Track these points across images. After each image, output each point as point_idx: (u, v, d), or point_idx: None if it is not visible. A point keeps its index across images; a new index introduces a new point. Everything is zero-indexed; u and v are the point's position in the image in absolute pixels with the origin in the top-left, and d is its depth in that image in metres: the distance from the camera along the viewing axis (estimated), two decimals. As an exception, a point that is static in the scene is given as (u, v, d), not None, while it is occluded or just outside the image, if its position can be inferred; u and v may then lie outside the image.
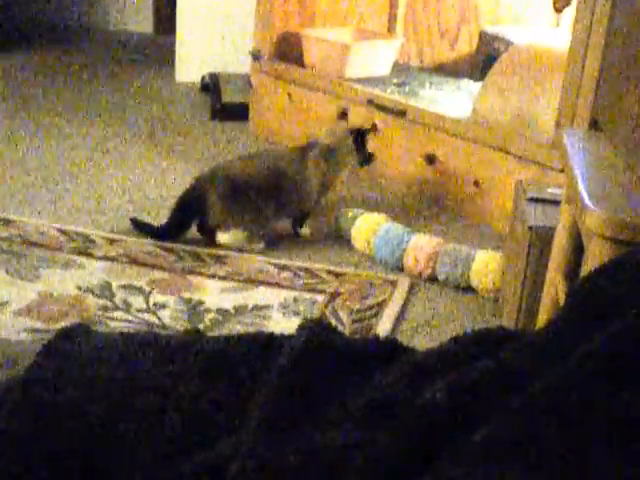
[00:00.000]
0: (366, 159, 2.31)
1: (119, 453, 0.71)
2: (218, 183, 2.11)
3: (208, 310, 1.81)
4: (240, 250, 2.11)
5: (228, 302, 1.85)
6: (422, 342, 1.74)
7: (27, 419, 0.75)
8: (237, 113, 3.19)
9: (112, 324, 1.72)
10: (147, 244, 2.08)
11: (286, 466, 0.64)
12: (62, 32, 4.54)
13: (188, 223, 2.14)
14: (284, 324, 1.77)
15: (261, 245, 2.16)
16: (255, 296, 1.89)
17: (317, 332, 0.82)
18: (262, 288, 1.93)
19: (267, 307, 1.84)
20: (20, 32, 4.40)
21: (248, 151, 2.88)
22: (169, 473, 0.69)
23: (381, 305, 1.88)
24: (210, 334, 0.92)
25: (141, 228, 2.16)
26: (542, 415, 0.59)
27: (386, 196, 2.57)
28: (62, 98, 3.39)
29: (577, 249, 1.38)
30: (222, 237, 2.12)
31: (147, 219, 2.22)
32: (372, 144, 2.37)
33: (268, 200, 2.13)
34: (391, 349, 0.84)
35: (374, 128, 2.41)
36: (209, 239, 2.15)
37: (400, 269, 2.05)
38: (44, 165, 2.63)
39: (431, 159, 2.52)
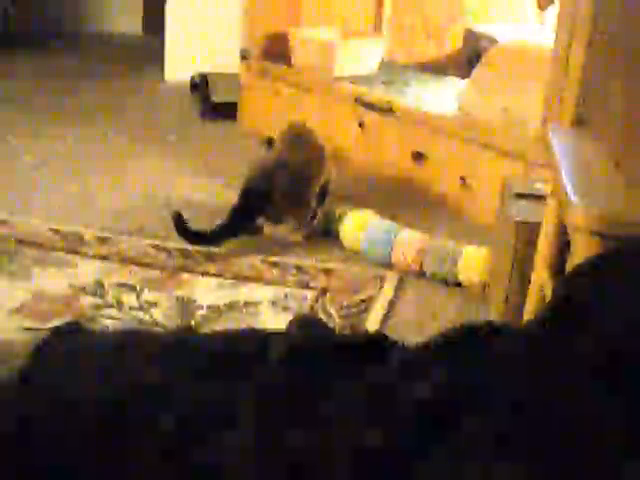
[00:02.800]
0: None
1: (114, 452, 0.71)
2: (281, 180, 2.11)
3: (199, 307, 1.82)
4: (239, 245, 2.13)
5: (219, 299, 1.86)
6: (410, 336, 1.75)
7: (21, 419, 0.75)
8: (226, 112, 3.20)
9: (105, 322, 1.73)
10: (138, 243, 2.09)
11: (281, 464, 0.65)
12: (50, 33, 4.53)
13: (250, 222, 2.13)
14: (274, 320, 1.78)
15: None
16: (245, 293, 1.90)
17: (307, 328, 0.83)
18: (252, 285, 1.95)
19: (257, 303, 1.86)
20: (7, 34, 4.39)
21: (240, 150, 2.90)
22: (165, 472, 0.69)
23: (370, 300, 1.89)
24: (201, 331, 0.93)
25: (187, 234, 2.09)
26: (531, 412, 0.60)
27: (374, 193, 2.59)
28: (51, 98, 3.39)
29: (563, 244, 1.40)
30: (273, 229, 2.16)
31: (139, 217, 2.24)
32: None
33: (313, 187, 2.18)
34: (381, 344, 0.85)
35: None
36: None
37: (388, 265, 2.07)
38: (35, 165, 2.64)
39: (418, 156, 2.54)
